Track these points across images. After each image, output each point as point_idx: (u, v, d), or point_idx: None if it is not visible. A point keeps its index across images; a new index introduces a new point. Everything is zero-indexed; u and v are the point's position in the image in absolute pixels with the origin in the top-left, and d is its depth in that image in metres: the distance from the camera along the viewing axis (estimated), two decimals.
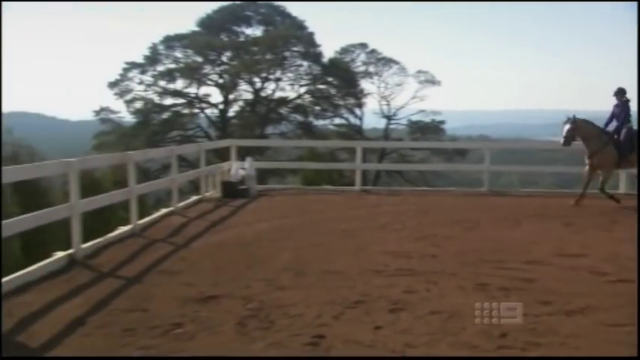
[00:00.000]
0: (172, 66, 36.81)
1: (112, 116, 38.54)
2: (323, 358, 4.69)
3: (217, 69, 37.45)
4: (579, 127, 12.11)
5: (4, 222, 6.44)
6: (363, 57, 38.80)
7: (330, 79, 37.74)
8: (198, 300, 6.08)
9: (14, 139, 10.98)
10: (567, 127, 12.14)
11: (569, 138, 12.19)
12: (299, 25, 37.79)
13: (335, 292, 6.28)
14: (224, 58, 37.46)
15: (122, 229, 9.28)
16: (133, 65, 36.86)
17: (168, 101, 37.39)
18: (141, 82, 37.15)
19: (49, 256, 7.46)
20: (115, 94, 37.69)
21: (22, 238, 8.63)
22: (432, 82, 38.55)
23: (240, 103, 38.41)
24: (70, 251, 7.57)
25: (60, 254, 7.42)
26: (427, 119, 38.24)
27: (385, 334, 5.13)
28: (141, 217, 10.11)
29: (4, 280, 6.32)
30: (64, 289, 6.53)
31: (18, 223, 6.75)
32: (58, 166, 7.66)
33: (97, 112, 38.62)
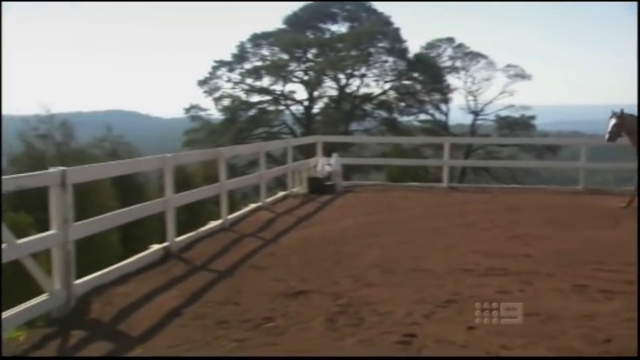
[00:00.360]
0: (259, 64, 37.52)
1: (202, 113, 39.68)
2: (414, 358, 4.62)
3: (303, 66, 37.83)
4: (625, 122, 11.22)
5: (108, 214, 6.75)
6: (449, 52, 38.09)
7: (415, 74, 37.30)
8: (288, 295, 6.14)
9: (113, 137, 11.51)
10: (613, 121, 11.29)
11: (614, 134, 11.33)
12: (385, 21, 37.55)
13: (424, 291, 6.17)
14: (309, 55, 37.78)
15: (213, 224, 9.52)
16: (221, 63, 37.84)
17: (255, 98, 38.12)
18: (229, 80, 38.09)
19: (144, 248, 7.75)
20: (205, 91, 38.81)
21: (120, 231, 9.00)
22: (522, 76, 37.33)
23: (325, 99, 38.67)
24: (165, 244, 7.83)
25: (156, 247, 7.69)
26: (516, 114, 37.08)
27: (479, 334, 4.98)
28: (230, 212, 10.33)
29: (105, 270, 6.61)
30: (160, 280, 6.76)
31: (120, 216, 7.06)
32: (154, 162, 7.95)
33: (188, 110, 39.88)
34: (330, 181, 13.97)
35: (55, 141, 10.37)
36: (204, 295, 6.19)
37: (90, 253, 7.21)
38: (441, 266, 7.13)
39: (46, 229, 5.92)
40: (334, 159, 14.40)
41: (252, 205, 11.58)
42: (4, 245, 5.09)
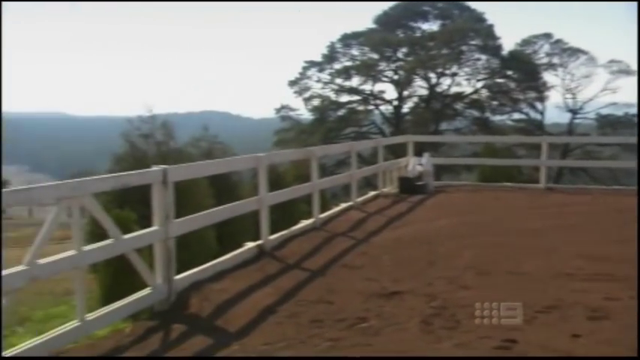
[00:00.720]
0: (349, 64, 37.60)
1: (292, 114, 40.20)
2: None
3: (392, 65, 37.58)
4: None
5: (206, 212, 6.95)
6: (546, 48, 36.65)
7: (509, 72, 36.15)
8: (381, 295, 6.07)
9: (209, 136, 11.90)
10: None
11: None
12: (478, 18, 36.64)
13: (524, 295, 5.92)
14: (399, 55, 37.47)
15: (305, 223, 9.59)
16: (311, 64, 38.20)
17: (344, 98, 38.24)
18: (319, 80, 38.39)
19: (238, 246, 7.91)
20: (295, 92, 39.31)
21: (216, 228, 9.24)
22: (627, 72, 35.29)
23: (415, 99, 38.23)
24: (259, 242, 7.96)
25: (250, 245, 7.83)
26: (619, 113, 35.13)
27: (584, 342, 4.72)
28: (322, 211, 10.38)
29: (203, 267, 6.79)
30: (255, 278, 6.87)
31: (217, 214, 7.25)
32: (249, 161, 8.11)
33: (278, 110, 40.51)
34: (421, 181, 13.77)
35: (156, 140, 10.83)
36: (297, 294, 6.24)
37: (187, 250, 7.41)
38: (542, 270, 6.84)
39: (149, 225, 6.17)
40: (425, 158, 14.18)
41: (343, 205, 11.59)
42: (111, 240, 5.33)
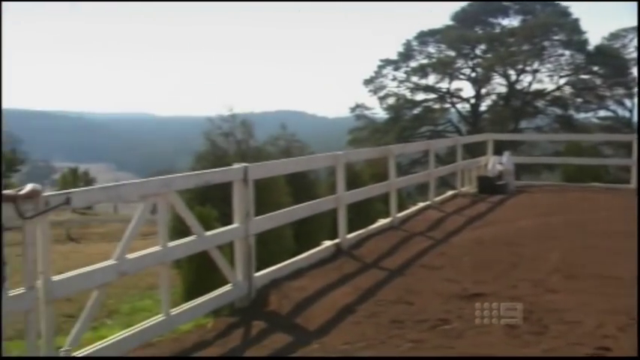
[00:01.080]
0: (425, 61, 37.15)
1: (366, 112, 40.10)
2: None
3: (470, 62, 36.85)
4: None
5: (285, 210, 7.00)
6: (636, 42, 34.85)
7: (595, 68, 34.64)
8: (463, 297, 5.91)
9: (287, 135, 12.02)
10: None
11: None
12: (562, 12, 35.31)
13: (616, 301, 5.63)
14: (478, 51, 36.70)
15: (382, 222, 9.50)
16: (387, 62, 37.99)
17: (420, 97, 37.85)
18: (394, 79, 38.15)
19: (314, 244, 7.92)
20: (370, 90, 39.21)
21: (293, 227, 9.30)
22: None
23: (493, 96, 37.33)
24: (337, 241, 7.94)
25: (328, 243, 7.82)
26: None
27: None
28: (399, 210, 10.25)
29: (282, 264, 6.82)
30: (333, 276, 6.85)
31: (296, 212, 7.28)
32: (327, 159, 8.10)
33: (353, 109, 40.51)
34: (501, 181, 13.38)
35: (236, 139, 11.03)
36: (376, 293, 6.17)
37: (265, 247, 7.48)
38: (634, 274, 6.47)
39: (229, 223, 6.26)
40: (506, 157, 13.76)
41: (421, 204, 11.41)
42: (194, 237, 5.44)
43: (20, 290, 3.82)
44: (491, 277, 6.59)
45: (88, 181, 30.06)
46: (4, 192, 3.75)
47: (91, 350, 4.35)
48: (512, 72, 36.00)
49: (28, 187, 3.86)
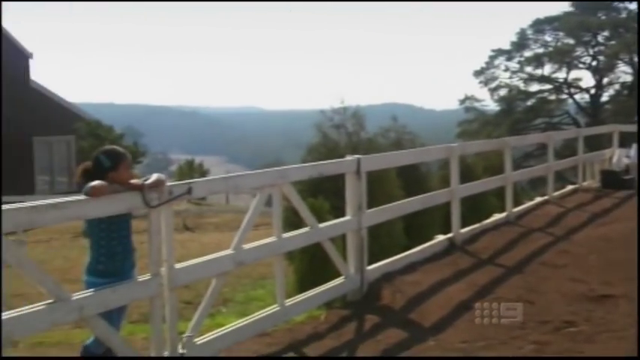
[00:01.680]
0: (540, 50, 35.48)
1: (476, 104, 38.95)
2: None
3: (591, 50, 34.78)
4: None
5: (398, 203, 6.88)
6: None
7: None
8: (590, 298, 5.54)
9: (398, 127, 11.84)
10: None
11: None
12: None
13: None
14: (600, 39, 34.54)
15: (497, 217, 9.13)
16: (499, 52, 36.67)
17: (534, 87, 36.24)
18: (506, 69, 36.77)
19: (425, 238, 7.73)
20: (480, 82, 38.01)
21: (404, 220, 9.12)
22: None
23: (617, 86, 35.00)
24: (450, 235, 7.70)
25: (440, 238, 7.61)
26: None
27: None
28: (515, 204, 9.80)
29: (394, 258, 6.71)
30: (446, 272, 6.65)
31: (409, 205, 7.15)
32: (441, 151, 7.88)
33: (462, 101, 39.47)
34: (628, 175, 12.46)
35: (347, 131, 11.01)
36: (494, 291, 5.90)
37: (376, 241, 7.38)
38: None
39: (340, 215, 6.23)
40: (634, 150, 12.80)
41: (539, 199, 10.87)
42: (308, 228, 5.44)
43: (146, 277, 3.96)
44: (621, 277, 6.12)
45: (203, 172, 31.26)
46: (133, 181, 3.89)
47: (210, 337, 4.45)
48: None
49: (154, 176, 3.98)
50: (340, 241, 6.37)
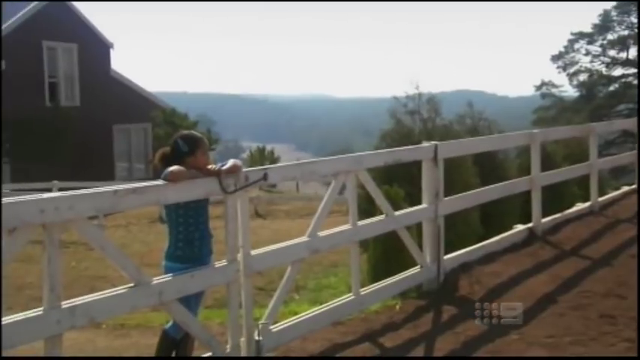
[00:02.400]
0: (625, 33, 33.77)
1: (554, 90, 37.64)
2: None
3: None
4: None
5: (475, 191, 6.65)
6: None
7: None
8: None
9: (474, 113, 11.50)
10: None
11: None
12: None
13: None
14: None
15: (580, 206, 8.70)
16: (579, 35, 35.20)
17: (618, 72, 34.63)
18: (587, 53, 35.31)
19: (502, 227, 7.43)
20: (558, 67, 36.71)
21: (479, 209, 8.84)
22: None
23: None
24: (530, 225, 7.39)
25: (520, 227, 7.31)
26: None
27: None
28: (599, 194, 9.31)
29: (472, 248, 6.49)
30: (526, 263, 6.38)
31: (487, 193, 6.90)
32: (522, 137, 7.56)
33: (538, 87, 38.25)
34: None
35: (421, 117, 10.77)
36: (580, 284, 5.61)
37: (452, 230, 7.16)
38: None
39: (413, 203, 6.05)
40: None
41: (626, 188, 10.30)
42: (383, 216, 5.31)
43: (223, 263, 3.94)
44: None
45: (274, 160, 31.60)
46: (210, 166, 3.88)
47: (285, 325, 4.42)
48: None
49: (230, 162, 3.95)
50: (414, 230, 6.21)
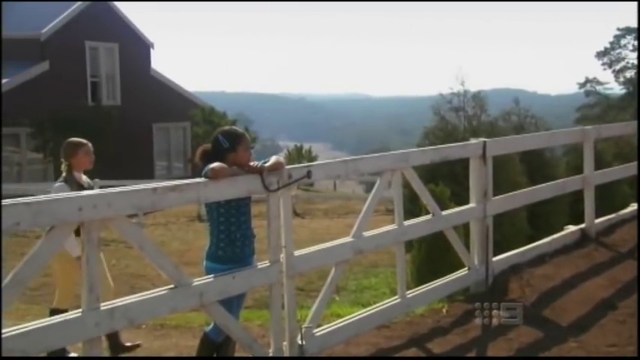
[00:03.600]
0: None
1: (599, 88, 36.71)
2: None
3: None
4: None
5: (525, 190, 6.38)
6: None
7: None
8: None
9: (519, 110, 11.14)
10: None
11: None
12: None
13: None
14: None
15: (634, 207, 8.29)
16: (626, 31, 34.20)
17: None
18: (634, 49, 34.23)
19: (550, 227, 7.14)
20: (604, 63, 35.76)
21: (527, 208, 8.52)
22: None
23: None
24: (582, 226, 7.04)
25: (572, 228, 6.98)
26: None
27: None
28: None
29: (522, 249, 6.21)
30: (580, 265, 6.08)
31: (538, 192, 6.60)
32: (573, 135, 7.23)
33: (582, 85, 37.37)
34: None
35: (466, 114, 10.46)
36: None
37: (498, 230, 6.88)
38: None
39: (459, 202, 5.80)
40: None
41: None
42: (430, 216, 5.09)
43: (266, 264, 3.79)
44: None
45: (312, 158, 31.47)
46: (252, 163, 3.72)
47: (329, 329, 4.24)
48: None
49: (273, 159, 3.79)
50: (460, 230, 5.96)
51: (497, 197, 5.81)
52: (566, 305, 5.02)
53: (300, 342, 3.96)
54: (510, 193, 6.16)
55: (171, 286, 3.33)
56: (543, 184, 6.71)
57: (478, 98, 10.72)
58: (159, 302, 3.26)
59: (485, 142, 5.58)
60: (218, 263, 3.74)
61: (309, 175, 3.99)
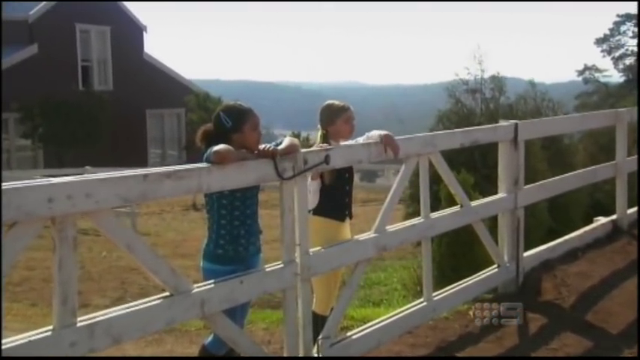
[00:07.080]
0: None
1: (597, 75, 36.23)
2: None
3: None
4: None
5: (556, 179, 5.82)
6: None
7: None
8: None
9: (535, 93, 10.56)
10: None
11: None
12: None
13: None
14: None
15: None
16: (626, 17, 33.63)
17: None
18: (634, 36, 33.68)
19: (569, 219, 6.58)
20: (603, 50, 35.21)
21: (547, 199, 7.96)
22: None
23: None
24: (613, 217, 6.49)
25: (603, 220, 6.42)
26: None
27: None
28: None
29: (552, 243, 5.64)
30: (616, 261, 5.55)
31: (568, 181, 6.02)
32: (607, 117, 6.64)
33: (581, 72, 36.83)
34: None
35: (484, 97, 9.84)
36: None
37: None
38: None
39: (480, 191, 5.25)
40: None
41: None
42: (458, 207, 4.52)
43: (278, 265, 3.19)
44: None
45: (309, 147, 30.84)
46: (262, 146, 3.12)
47: (349, 339, 3.66)
48: None
49: (287, 141, 3.19)
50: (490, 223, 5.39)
51: (529, 186, 5.25)
52: (610, 308, 4.47)
53: (316, 355, 3.39)
54: (541, 182, 5.61)
55: (167, 293, 2.74)
56: (574, 172, 6.17)
57: (497, 79, 10.08)
58: (151, 315, 2.66)
59: (517, 124, 5.01)
60: (218, 264, 3.16)
61: (327, 160, 3.39)
